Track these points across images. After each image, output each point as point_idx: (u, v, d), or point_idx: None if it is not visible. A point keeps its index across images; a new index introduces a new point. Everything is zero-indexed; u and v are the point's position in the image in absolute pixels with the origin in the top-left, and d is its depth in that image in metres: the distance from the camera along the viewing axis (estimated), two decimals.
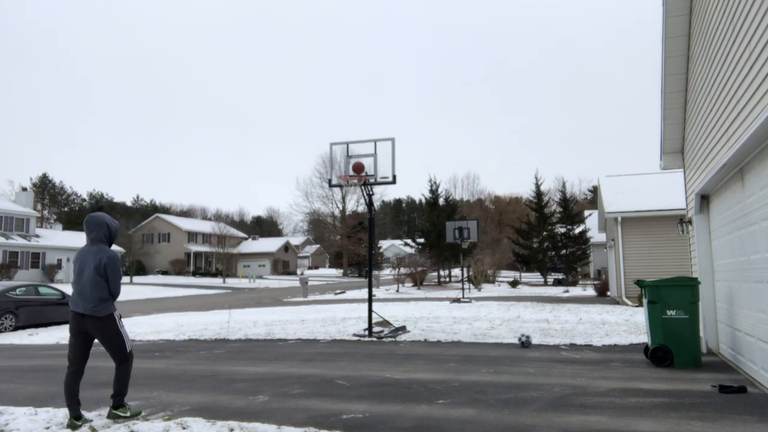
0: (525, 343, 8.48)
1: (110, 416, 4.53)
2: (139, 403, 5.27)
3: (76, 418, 4.35)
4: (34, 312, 14.78)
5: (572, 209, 38.48)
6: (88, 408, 4.97)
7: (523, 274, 46.65)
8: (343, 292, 29.56)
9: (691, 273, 8.30)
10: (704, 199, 7.66)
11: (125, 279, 47.85)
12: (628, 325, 11.26)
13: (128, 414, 4.53)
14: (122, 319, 4.63)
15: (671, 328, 6.51)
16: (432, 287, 33.42)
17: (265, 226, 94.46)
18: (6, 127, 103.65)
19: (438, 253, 36.57)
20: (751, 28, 4.63)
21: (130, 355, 4.59)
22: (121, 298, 29.49)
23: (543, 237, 38.10)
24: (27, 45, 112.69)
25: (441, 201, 39.37)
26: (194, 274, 57.79)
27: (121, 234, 52.40)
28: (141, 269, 55.82)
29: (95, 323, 4.42)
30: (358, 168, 10.29)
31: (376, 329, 10.54)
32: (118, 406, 4.55)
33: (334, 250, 72.43)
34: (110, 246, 4.64)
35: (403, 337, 9.95)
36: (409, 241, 42.68)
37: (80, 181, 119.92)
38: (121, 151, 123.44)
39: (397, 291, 30.11)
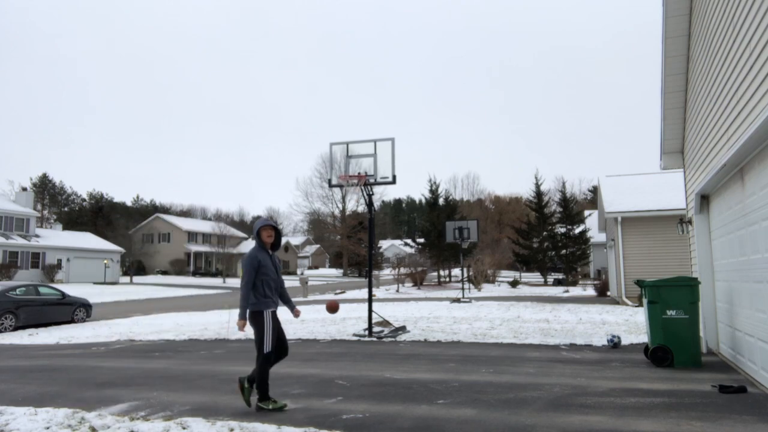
0: (616, 344, 8.33)
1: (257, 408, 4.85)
2: (139, 402, 5.27)
3: (262, 400, 4.86)
4: (34, 312, 14.79)
5: (572, 209, 38.45)
6: (88, 408, 4.98)
7: (523, 274, 46.66)
8: (343, 292, 29.57)
9: (691, 273, 8.30)
10: (704, 199, 7.66)
11: (125, 279, 47.85)
12: (628, 325, 11.26)
13: (269, 407, 4.83)
14: (270, 320, 4.86)
15: (671, 328, 6.51)
16: (432, 287, 33.42)
17: None
18: (6, 127, 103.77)
19: (438, 253, 36.58)
20: (751, 28, 4.63)
21: (266, 355, 4.82)
22: (120, 297, 29.57)
23: (543, 237, 38.09)
24: (27, 45, 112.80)
25: (441, 201, 39.38)
26: (194, 274, 57.79)
27: (120, 234, 52.54)
28: (141, 269, 55.83)
29: (249, 317, 4.88)
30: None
31: (376, 329, 10.54)
32: (260, 399, 4.86)
33: (334, 250, 72.39)
34: (260, 246, 5.00)
35: (403, 337, 9.95)
36: (409, 241, 42.70)
37: (80, 181, 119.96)
38: (121, 151, 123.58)
39: (397, 291, 30.11)
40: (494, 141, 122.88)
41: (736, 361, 6.40)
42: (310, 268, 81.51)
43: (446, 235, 23.20)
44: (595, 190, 50.20)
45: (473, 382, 5.90)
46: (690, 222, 8.42)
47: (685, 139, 8.58)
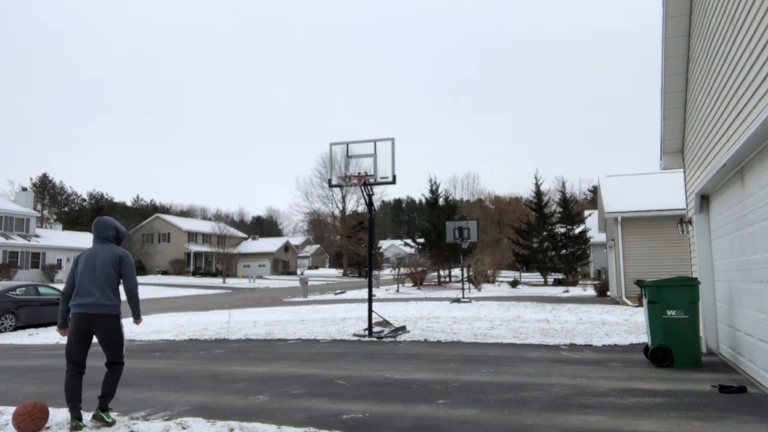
0: None
1: (96, 417, 4.37)
2: (139, 403, 5.27)
3: (78, 418, 4.28)
4: (34, 312, 14.79)
5: (572, 209, 38.46)
6: (88, 408, 4.97)
7: (523, 274, 46.63)
8: (343, 292, 29.56)
9: (691, 273, 8.30)
10: (704, 199, 7.66)
11: None
12: (628, 325, 11.25)
13: (109, 420, 4.37)
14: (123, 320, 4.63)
15: (671, 328, 6.51)
16: (432, 287, 33.41)
17: (265, 226, 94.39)
18: (6, 127, 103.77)
19: (438, 253, 36.56)
20: (751, 28, 4.63)
21: (123, 359, 4.64)
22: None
23: (543, 237, 38.09)
24: (28, 45, 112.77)
25: (441, 201, 39.37)
26: (194, 274, 57.77)
27: None
28: (141, 269, 55.78)
29: (102, 321, 4.39)
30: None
31: (376, 329, 10.54)
32: (105, 409, 4.45)
33: (334, 250, 72.40)
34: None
35: (403, 337, 9.94)
36: (409, 241, 42.68)
37: (80, 181, 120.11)
38: (122, 151, 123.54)
39: (397, 291, 30.10)
40: (494, 141, 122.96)
41: (736, 361, 6.40)
42: (310, 268, 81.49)
43: (446, 235, 23.19)
44: (595, 190, 50.22)
45: (473, 382, 5.90)
46: (690, 222, 8.42)
47: (685, 139, 8.58)
